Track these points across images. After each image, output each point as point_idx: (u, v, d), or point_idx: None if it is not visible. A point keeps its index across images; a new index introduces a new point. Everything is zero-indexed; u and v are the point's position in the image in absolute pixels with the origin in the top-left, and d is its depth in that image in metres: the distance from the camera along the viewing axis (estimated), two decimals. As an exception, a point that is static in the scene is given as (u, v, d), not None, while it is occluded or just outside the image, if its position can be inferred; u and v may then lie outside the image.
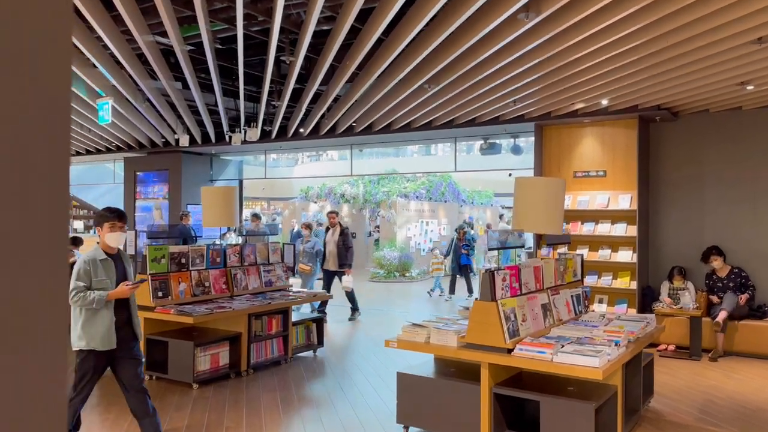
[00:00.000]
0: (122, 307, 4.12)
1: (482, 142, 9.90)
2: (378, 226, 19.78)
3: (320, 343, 7.43)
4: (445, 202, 20.00)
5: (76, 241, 10.65)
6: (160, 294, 6.23)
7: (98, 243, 4.10)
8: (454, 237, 13.30)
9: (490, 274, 4.17)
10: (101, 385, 5.90)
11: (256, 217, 12.81)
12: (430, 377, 4.49)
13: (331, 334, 8.45)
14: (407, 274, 16.67)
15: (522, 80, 6.60)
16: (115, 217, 4.08)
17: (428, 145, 26.42)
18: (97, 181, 18.39)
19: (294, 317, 7.12)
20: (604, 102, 7.60)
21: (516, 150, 9.74)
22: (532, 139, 9.06)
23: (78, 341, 4.00)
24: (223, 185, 12.21)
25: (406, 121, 9.11)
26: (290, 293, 7.28)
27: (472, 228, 17.99)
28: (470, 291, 12.46)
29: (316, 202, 19.07)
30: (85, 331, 3.99)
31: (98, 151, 13.41)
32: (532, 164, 8.78)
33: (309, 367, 6.81)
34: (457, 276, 12.46)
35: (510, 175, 23.43)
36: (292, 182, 22.75)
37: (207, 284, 6.61)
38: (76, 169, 18.35)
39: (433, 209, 19.41)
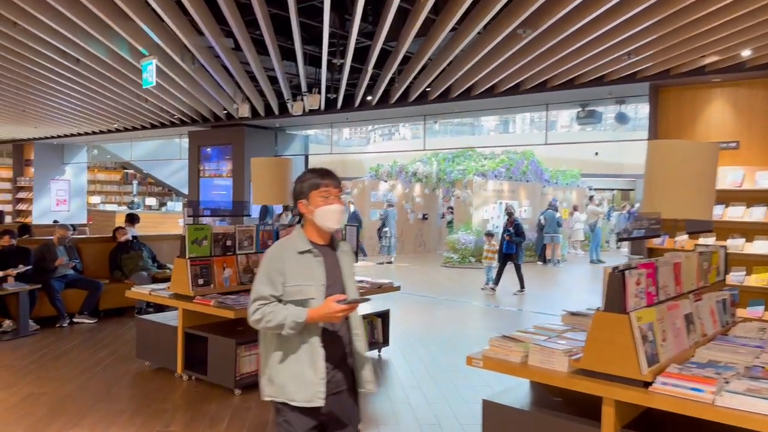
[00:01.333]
0: (338, 334, 2.55)
1: (579, 109, 8.41)
2: (451, 207, 18.49)
3: (386, 341, 6.40)
4: (527, 182, 18.42)
5: (133, 219, 10.03)
6: (200, 282, 5.41)
7: (301, 226, 2.61)
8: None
9: (620, 276, 2.94)
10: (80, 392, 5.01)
11: None
12: (527, 410, 3.32)
13: (400, 330, 7.38)
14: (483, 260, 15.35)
15: (641, 23, 5.20)
16: (329, 180, 2.53)
17: (507, 119, 24.80)
18: (171, 156, 18.09)
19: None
20: (745, 53, 6.03)
21: (621, 118, 8.19)
22: (640, 105, 7.54)
23: (267, 386, 2.50)
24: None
25: (490, 83, 7.79)
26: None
27: (556, 210, 16.45)
28: (496, 282, 11.04)
29: (386, 181, 18.03)
30: (276, 373, 2.47)
31: (162, 125, 12.91)
32: (646, 135, 7.25)
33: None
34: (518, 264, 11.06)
35: (596, 154, 21.59)
36: (364, 162, 21.82)
37: (256, 270, 5.69)
38: (150, 144, 18.21)
39: (514, 189, 17.88)
